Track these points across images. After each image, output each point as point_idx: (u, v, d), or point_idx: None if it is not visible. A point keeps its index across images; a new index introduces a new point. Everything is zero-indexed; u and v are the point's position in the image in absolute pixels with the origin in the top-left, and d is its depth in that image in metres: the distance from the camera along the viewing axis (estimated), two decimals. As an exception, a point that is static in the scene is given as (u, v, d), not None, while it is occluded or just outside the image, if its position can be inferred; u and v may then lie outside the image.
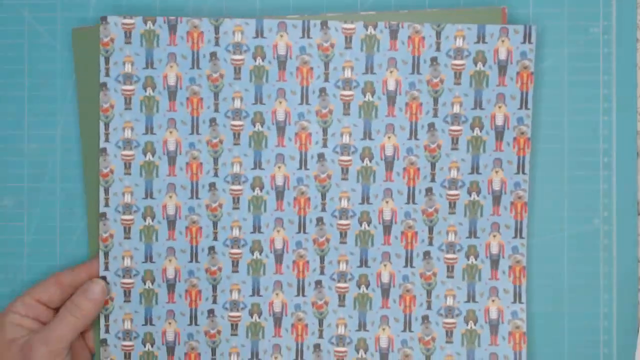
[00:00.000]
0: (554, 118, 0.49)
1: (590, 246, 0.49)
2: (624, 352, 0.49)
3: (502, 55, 0.47)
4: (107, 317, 0.48)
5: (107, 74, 0.48)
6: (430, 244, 0.49)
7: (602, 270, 0.49)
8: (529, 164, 0.48)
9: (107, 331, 0.48)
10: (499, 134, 0.48)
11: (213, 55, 0.48)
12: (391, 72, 0.48)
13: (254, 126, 0.48)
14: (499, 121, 0.48)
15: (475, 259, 0.48)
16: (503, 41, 0.47)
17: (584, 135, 0.49)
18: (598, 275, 0.49)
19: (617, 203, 0.49)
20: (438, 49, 0.48)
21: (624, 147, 0.49)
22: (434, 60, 0.48)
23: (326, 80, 0.48)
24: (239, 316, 0.48)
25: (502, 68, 0.48)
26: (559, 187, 0.49)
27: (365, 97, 0.48)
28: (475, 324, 0.48)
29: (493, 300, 0.48)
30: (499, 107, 0.48)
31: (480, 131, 0.48)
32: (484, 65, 0.48)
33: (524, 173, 0.48)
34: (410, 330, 0.49)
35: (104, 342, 0.48)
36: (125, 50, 0.48)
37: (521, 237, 0.48)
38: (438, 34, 0.48)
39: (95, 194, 0.48)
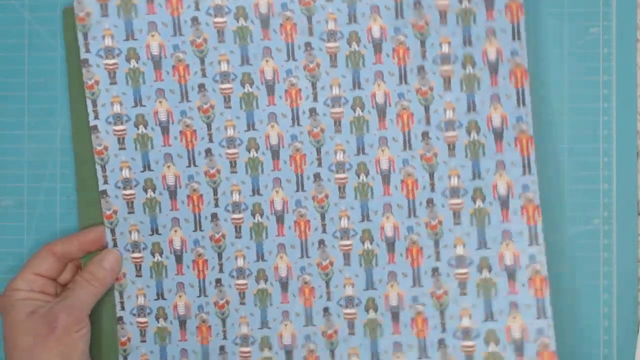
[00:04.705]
0: (554, 118, 0.49)
1: (590, 246, 0.49)
2: (624, 352, 0.49)
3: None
4: (121, 294, 0.48)
5: (87, 50, 0.47)
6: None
7: (602, 270, 0.49)
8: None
9: (122, 308, 0.48)
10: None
11: (194, 20, 0.47)
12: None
13: (243, 87, 0.47)
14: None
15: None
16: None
17: (584, 135, 0.49)
18: (598, 275, 0.49)
19: (617, 203, 0.49)
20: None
21: (624, 147, 0.49)
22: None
23: (311, 35, 0.47)
24: (245, 284, 0.47)
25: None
26: (559, 187, 0.49)
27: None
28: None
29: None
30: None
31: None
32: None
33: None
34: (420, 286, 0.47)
35: (120, 320, 0.48)
36: (104, 23, 0.47)
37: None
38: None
39: (85, 172, 0.48)
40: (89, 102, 0.47)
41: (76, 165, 0.49)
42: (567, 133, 0.49)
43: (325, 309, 0.47)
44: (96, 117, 0.47)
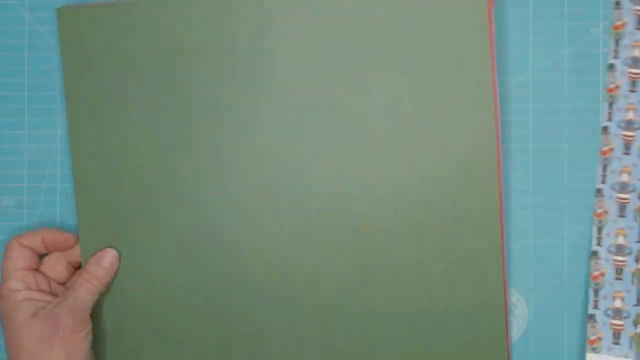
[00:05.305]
0: (554, 118, 0.49)
1: (590, 246, 0.49)
2: None
3: None
4: (596, 292, 0.48)
5: (615, 56, 0.49)
6: None
7: (602, 270, 0.49)
8: None
9: (595, 306, 0.48)
10: None
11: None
12: None
13: None
14: None
15: None
16: None
17: (584, 135, 0.49)
18: (598, 275, 0.49)
19: None
20: None
21: (625, 147, 0.49)
22: None
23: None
24: None
25: None
26: (559, 187, 0.49)
27: None
28: None
29: None
30: None
31: None
32: None
33: None
34: None
35: (591, 317, 0.48)
36: (635, 34, 0.49)
37: None
38: None
39: (83, 172, 0.48)
40: (605, 104, 0.49)
41: (73, 165, 0.48)
42: (567, 133, 0.49)
43: None
44: (609, 119, 0.49)
